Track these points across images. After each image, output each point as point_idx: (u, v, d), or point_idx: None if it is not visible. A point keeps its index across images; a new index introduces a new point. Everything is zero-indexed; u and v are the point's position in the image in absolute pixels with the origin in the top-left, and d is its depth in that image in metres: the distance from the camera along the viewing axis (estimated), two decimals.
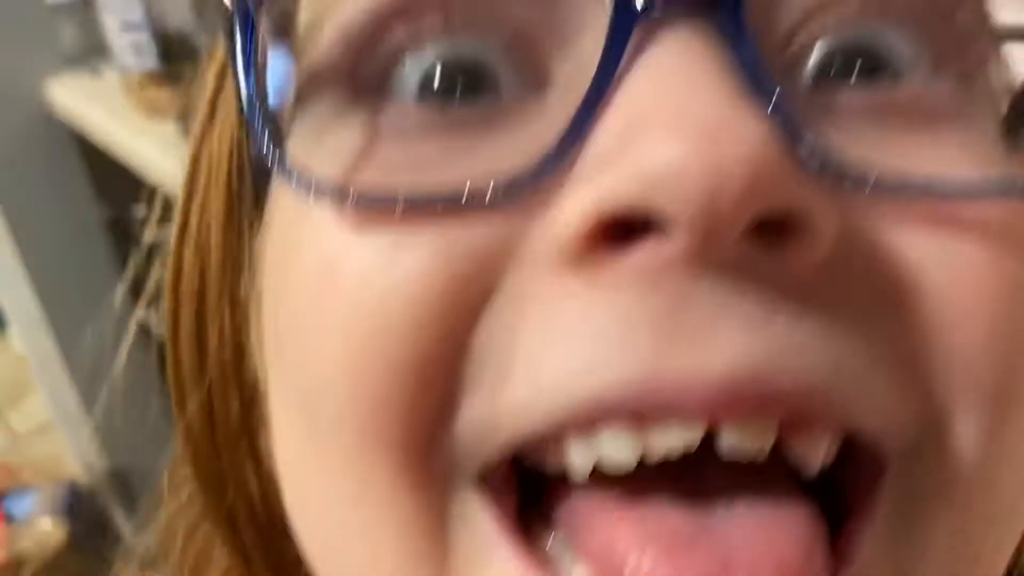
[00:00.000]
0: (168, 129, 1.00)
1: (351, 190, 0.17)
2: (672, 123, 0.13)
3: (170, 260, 0.24)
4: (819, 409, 0.15)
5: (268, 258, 0.20)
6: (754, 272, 0.14)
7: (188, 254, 0.24)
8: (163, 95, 1.04)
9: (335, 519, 0.18)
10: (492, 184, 0.16)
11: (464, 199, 0.16)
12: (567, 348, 0.14)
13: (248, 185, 0.22)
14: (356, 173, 0.17)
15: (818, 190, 0.15)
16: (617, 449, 0.15)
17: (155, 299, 0.31)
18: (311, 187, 0.17)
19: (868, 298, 0.15)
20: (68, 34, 1.20)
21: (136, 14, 1.05)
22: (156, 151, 0.97)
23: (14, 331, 1.95)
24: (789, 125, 0.15)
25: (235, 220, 0.22)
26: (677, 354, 0.14)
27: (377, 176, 0.17)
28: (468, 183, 0.16)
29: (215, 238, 0.23)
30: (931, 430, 0.16)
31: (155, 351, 0.31)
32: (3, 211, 1.35)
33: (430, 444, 0.16)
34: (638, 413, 0.14)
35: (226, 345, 0.23)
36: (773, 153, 0.14)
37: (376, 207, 0.16)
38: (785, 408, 0.14)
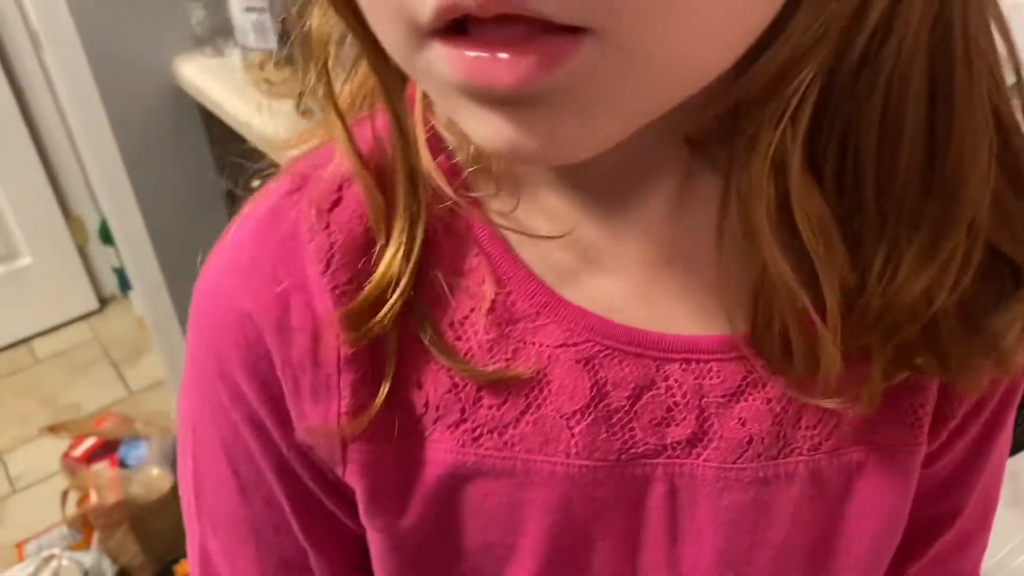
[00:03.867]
0: (286, 107, 1.06)
1: None
2: None
3: None
4: None
5: None
6: None
7: None
8: (282, 75, 1.09)
9: None
10: None
11: None
12: None
13: None
14: None
15: None
16: None
17: None
18: None
19: None
20: (197, 15, 1.27)
21: None
22: (272, 127, 1.02)
23: (135, 295, 2.08)
24: None
25: None
26: None
27: None
28: None
29: None
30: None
31: None
32: (131, 180, 1.44)
33: None
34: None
35: None
36: None
37: None
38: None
